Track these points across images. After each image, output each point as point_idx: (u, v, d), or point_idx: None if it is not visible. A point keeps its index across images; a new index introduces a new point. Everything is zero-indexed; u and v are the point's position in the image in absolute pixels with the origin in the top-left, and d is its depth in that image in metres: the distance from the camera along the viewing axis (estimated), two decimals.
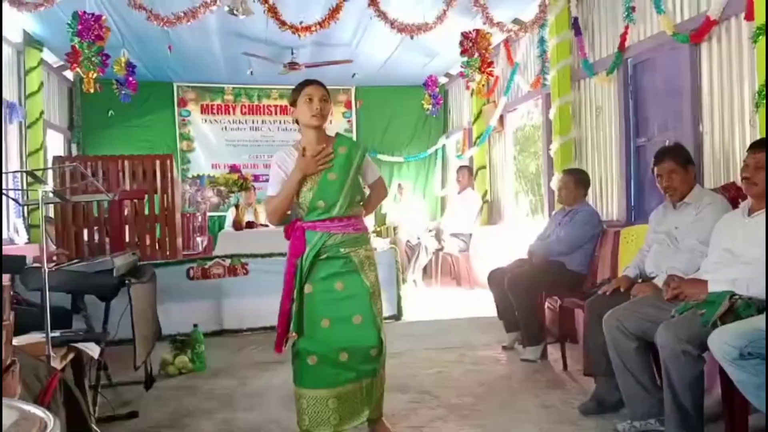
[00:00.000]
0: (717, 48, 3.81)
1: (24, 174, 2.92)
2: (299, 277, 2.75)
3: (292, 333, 2.83)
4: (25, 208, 6.07)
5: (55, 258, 4.19)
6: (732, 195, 3.24)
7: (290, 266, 2.79)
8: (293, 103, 2.86)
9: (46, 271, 2.53)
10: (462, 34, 6.01)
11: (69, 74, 7.91)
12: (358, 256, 2.79)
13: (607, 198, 5.17)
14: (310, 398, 2.75)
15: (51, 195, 2.62)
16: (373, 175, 2.95)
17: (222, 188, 6.23)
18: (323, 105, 2.79)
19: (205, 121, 9.04)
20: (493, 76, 6.49)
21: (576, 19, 5.34)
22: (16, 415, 0.83)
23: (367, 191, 2.98)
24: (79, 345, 2.91)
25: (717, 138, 3.83)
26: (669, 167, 3.15)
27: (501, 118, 7.29)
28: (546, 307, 4.39)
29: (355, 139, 8.83)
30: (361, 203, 2.91)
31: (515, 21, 6.20)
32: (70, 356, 2.85)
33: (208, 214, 8.49)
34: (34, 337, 2.74)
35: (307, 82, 2.85)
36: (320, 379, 2.74)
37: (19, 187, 5.81)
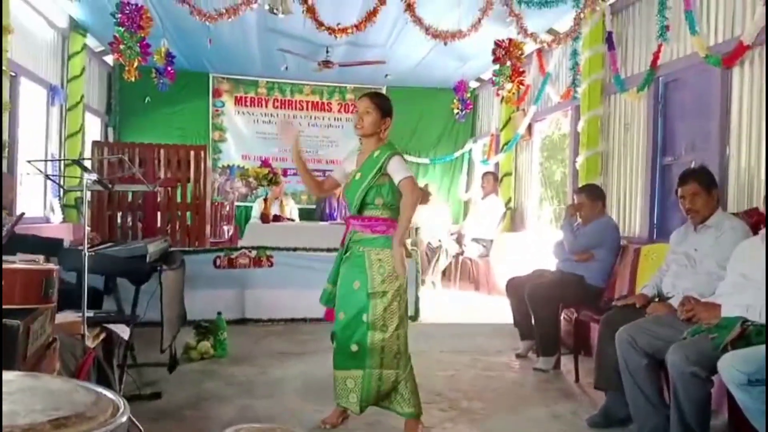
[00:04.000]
0: (749, 72, 3.83)
1: (71, 162, 3.08)
2: (334, 268, 3.13)
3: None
4: (61, 189, 6.29)
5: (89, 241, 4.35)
6: (754, 221, 3.27)
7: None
8: None
9: (86, 255, 2.65)
10: (495, 42, 6.07)
11: (109, 59, 8.12)
12: (370, 257, 2.96)
13: (630, 214, 5.19)
14: (335, 377, 3.06)
15: (94, 183, 2.75)
16: (399, 176, 2.97)
17: (252, 180, 6.37)
18: (364, 117, 3.11)
19: (238, 112, 9.21)
20: (523, 85, 6.53)
21: (610, 33, 5.36)
22: (93, 397, 0.94)
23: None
24: (111, 326, 3.06)
25: (743, 162, 3.85)
26: (693, 190, 3.18)
27: (529, 127, 7.33)
28: (562, 318, 4.44)
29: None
30: (384, 206, 3.01)
31: (549, 31, 6.24)
32: (102, 336, 3.00)
33: (236, 203, 8.67)
34: (69, 316, 2.88)
35: (361, 95, 3.24)
36: (339, 362, 3.04)
37: (58, 168, 6.02)
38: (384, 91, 9.51)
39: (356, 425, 3.14)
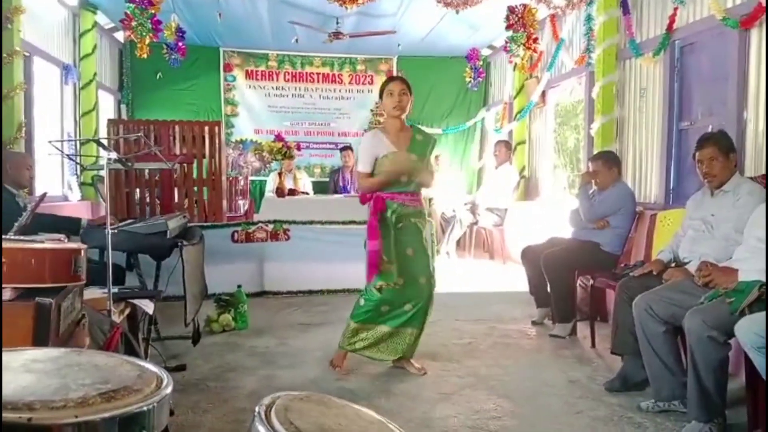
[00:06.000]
0: (766, 34, 3.76)
1: (90, 141, 3.11)
2: (389, 227, 3.37)
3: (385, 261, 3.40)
4: (79, 167, 6.36)
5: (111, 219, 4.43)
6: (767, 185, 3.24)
7: (373, 219, 3.35)
8: (380, 96, 3.47)
9: (110, 233, 2.71)
10: (508, 8, 5.99)
11: (119, 36, 8.13)
12: (421, 226, 3.46)
13: (647, 180, 5.17)
14: (368, 329, 3.45)
15: (115, 161, 2.79)
16: (431, 166, 3.62)
17: (265, 154, 6.40)
18: (402, 98, 3.38)
19: (250, 86, 9.20)
20: (537, 52, 6.45)
21: None
22: (137, 370, 0.99)
23: None
24: (135, 301, 3.13)
25: (761, 126, 3.81)
26: (710, 154, 3.15)
27: (543, 94, 7.26)
28: (578, 285, 4.47)
29: None
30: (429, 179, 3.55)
31: None
32: (127, 311, 3.07)
33: (250, 178, 8.72)
34: (95, 292, 2.95)
35: (390, 79, 3.50)
36: (384, 319, 3.43)
37: (74, 147, 6.08)
38: (395, 62, 9.48)
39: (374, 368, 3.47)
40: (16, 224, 2.64)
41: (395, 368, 3.55)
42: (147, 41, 5.21)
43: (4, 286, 1.75)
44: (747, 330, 2.34)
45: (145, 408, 0.90)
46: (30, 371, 0.99)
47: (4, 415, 0.84)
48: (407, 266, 3.41)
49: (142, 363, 1.07)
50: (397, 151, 3.40)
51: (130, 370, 1.00)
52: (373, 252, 3.36)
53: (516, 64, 6.52)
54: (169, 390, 0.96)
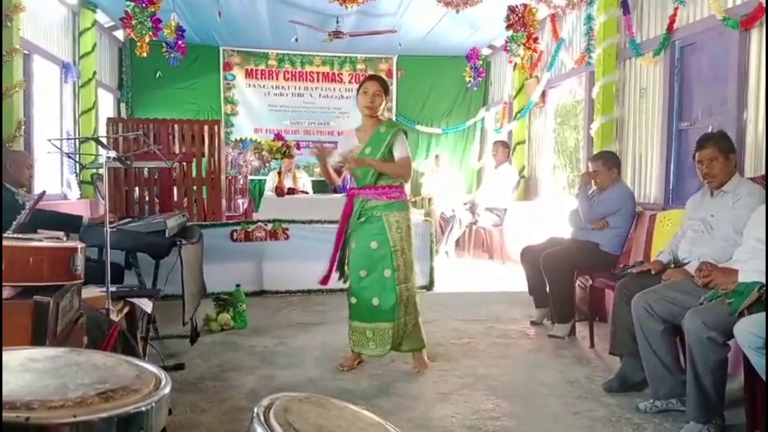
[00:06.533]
0: (766, 35, 3.76)
1: (89, 139, 3.12)
2: (347, 234, 3.47)
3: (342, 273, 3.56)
4: (77, 165, 6.35)
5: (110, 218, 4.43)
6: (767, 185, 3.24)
7: (342, 223, 3.50)
8: (357, 93, 3.53)
9: (108, 231, 2.70)
10: (509, 8, 5.98)
11: (119, 34, 8.12)
12: (389, 219, 3.40)
13: (646, 180, 5.17)
14: (353, 327, 3.50)
15: (114, 160, 2.79)
16: (400, 153, 3.45)
17: (265, 153, 6.40)
18: (375, 99, 3.43)
19: (249, 85, 9.19)
20: (537, 52, 6.44)
21: None
22: (136, 370, 0.98)
23: None
24: (134, 300, 3.13)
25: (761, 126, 3.81)
26: (710, 154, 3.14)
27: (543, 94, 7.26)
28: (577, 285, 4.47)
29: (396, 111, 9.07)
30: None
31: None
32: (126, 310, 3.06)
33: (249, 177, 8.72)
34: (93, 291, 2.94)
35: (368, 78, 3.51)
36: (360, 316, 3.46)
37: (74, 146, 6.07)
38: (395, 61, 9.48)
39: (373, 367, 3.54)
40: (14, 222, 2.63)
41: (395, 368, 3.54)
42: (147, 40, 5.21)
43: (2, 284, 1.74)
44: (746, 331, 2.34)
45: (143, 408, 0.90)
46: (28, 371, 0.99)
47: (2, 414, 0.84)
48: (369, 259, 3.41)
49: (140, 363, 1.06)
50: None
51: (128, 370, 1.00)
52: (332, 261, 3.52)
53: (516, 63, 6.52)
54: (167, 390, 0.96)
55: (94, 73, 6.90)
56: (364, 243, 3.42)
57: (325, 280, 3.54)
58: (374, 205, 3.42)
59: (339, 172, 3.66)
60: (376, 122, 3.50)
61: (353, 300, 3.48)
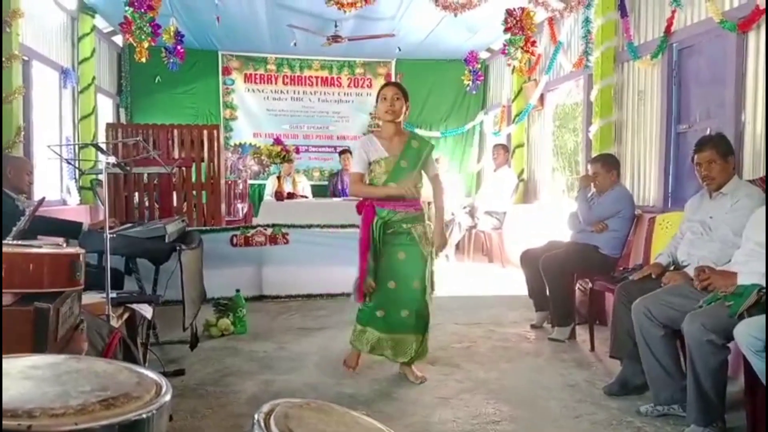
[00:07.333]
0: (765, 37, 3.77)
1: (89, 145, 3.13)
2: (375, 241, 3.36)
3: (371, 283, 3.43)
4: (77, 171, 6.36)
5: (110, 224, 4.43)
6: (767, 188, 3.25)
7: (365, 233, 3.39)
8: (376, 101, 3.49)
9: (108, 237, 2.70)
10: (507, 11, 6.00)
11: (118, 40, 8.13)
12: (417, 231, 3.40)
13: (645, 183, 5.17)
14: (371, 334, 3.45)
15: (114, 166, 2.79)
16: (434, 170, 3.55)
17: (264, 158, 6.41)
18: (395, 103, 3.37)
19: (248, 90, 9.21)
20: (535, 55, 6.46)
21: (623, 0, 5.28)
22: (137, 377, 0.99)
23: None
24: (134, 306, 3.13)
25: (759, 129, 3.82)
26: (709, 157, 3.15)
27: (541, 97, 7.27)
28: (577, 288, 4.47)
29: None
30: (417, 188, 3.42)
31: None
32: (126, 315, 3.06)
33: (249, 181, 8.72)
34: (93, 297, 2.95)
35: (386, 84, 3.50)
36: (386, 326, 3.43)
37: (73, 151, 6.08)
38: (393, 65, 9.49)
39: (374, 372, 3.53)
40: (14, 229, 2.64)
41: (395, 372, 3.55)
42: (146, 45, 5.21)
43: (2, 291, 1.74)
44: (746, 333, 2.34)
45: (144, 415, 0.90)
46: (29, 378, 0.99)
47: (4, 422, 0.84)
48: (399, 270, 3.40)
49: (141, 370, 1.06)
50: (396, 170, 3.37)
51: (129, 376, 1.00)
52: (361, 274, 3.39)
53: (514, 67, 6.53)
54: (168, 397, 0.96)
55: (93, 78, 6.91)
56: (392, 254, 3.39)
57: (360, 296, 3.43)
58: (402, 217, 3.38)
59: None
60: (400, 130, 3.45)
61: (379, 313, 3.42)
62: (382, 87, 3.48)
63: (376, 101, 3.49)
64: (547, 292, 4.45)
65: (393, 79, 9.44)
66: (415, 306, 3.40)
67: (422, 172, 3.49)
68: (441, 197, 3.57)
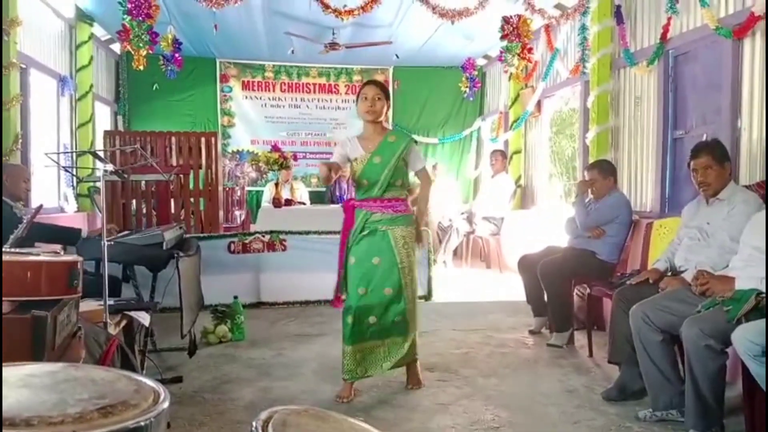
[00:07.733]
0: (761, 43, 3.79)
1: (87, 153, 3.13)
2: (346, 249, 3.29)
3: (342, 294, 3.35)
4: (74, 178, 6.36)
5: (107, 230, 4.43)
6: (767, 193, 3.26)
7: (343, 238, 3.32)
8: (357, 100, 3.38)
9: (106, 244, 2.70)
10: (503, 18, 6.02)
11: (116, 47, 8.15)
12: (395, 234, 3.25)
13: (642, 189, 5.19)
14: (346, 353, 3.25)
15: (111, 173, 2.79)
16: (419, 165, 3.40)
17: (262, 165, 6.42)
18: (375, 103, 3.28)
19: (246, 97, 9.22)
20: (531, 62, 6.48)
21: (619, 7, 5.30)
22: (134, 385, 0.99)
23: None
24: (132, 313, 3.13)
25: (755, 134, 3.83)
26: (705, 163, 3.17)
27: (538, 103, 7.30)
28: (575, 294, 4.47)
29: (393, 121, 9.07)
30: (403, 187, 3.34)
31: (557, 6, 6.18)
32: (124, 323, 3.06)
33: (246, 188, 8.72)
34: (91, 304, 2.94)
35: (365, 83, 3.36)
36: (354, 337, 3.24)
37: (71, 159, 6.08)
38: (391, 72, 9.52)
39: (371, 379, 3.40)
40: (12, 236, 2.64)
41: (393, 379, 3.53)
42: (143, 53, 5.22)
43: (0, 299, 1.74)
44: (744, 338, 2.34)
45: (142, 423, 0.90)
46: (27, 386, 0.99)
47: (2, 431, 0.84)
48: (370, 276, 3.22)
49: (139, 377, 1.06)
50: (363, 154, 3.29)
51: (127, 384, 1.00)
52: (338, 276, 3.32)
53: (511, 73, 6.55)
54: (166, 405, 0.96)
55: (91, 86, 6.92)
56: (364, 258, 3.24)
57: (337, 301, 3.35)
58: (379, 218, 3.24)
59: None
60: (381, 129, 3.35)
61: (349, 319, 3.22)
62: (363, 85, 3.36)
63: (356, 100, 3.37)
64: (545, 298, 4.45)
65: (390, 87, 9.48)
66: (385, 314, 3.23)
67: (406, 168, 3.35)
68: (426, 188, 3.52)
